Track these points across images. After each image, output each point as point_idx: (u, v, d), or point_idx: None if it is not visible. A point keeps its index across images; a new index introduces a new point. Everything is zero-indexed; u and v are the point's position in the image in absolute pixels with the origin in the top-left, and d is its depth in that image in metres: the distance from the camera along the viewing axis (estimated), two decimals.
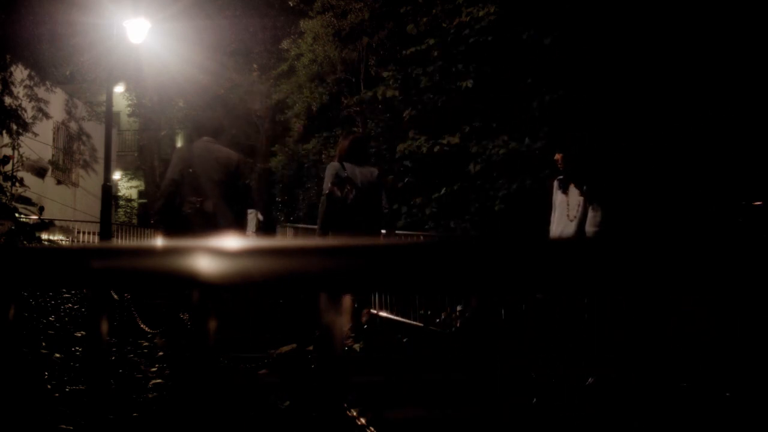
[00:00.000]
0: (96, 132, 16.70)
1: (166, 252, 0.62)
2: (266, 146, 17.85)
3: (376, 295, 6.83)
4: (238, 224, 4.35)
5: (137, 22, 11.23)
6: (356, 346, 4.51)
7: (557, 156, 4.97)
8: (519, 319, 4.71)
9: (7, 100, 12.24)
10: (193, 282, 0.59)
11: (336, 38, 13.51)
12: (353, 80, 13.88)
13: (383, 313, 6.75)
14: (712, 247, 0.46)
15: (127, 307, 4.78)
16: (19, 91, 13.17)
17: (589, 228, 4.68)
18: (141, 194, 24.28)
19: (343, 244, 0.55)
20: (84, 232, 15.55)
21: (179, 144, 21.04)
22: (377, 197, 4.47)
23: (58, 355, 2.98)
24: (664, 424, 2.92)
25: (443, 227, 9.20)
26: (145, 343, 4.14)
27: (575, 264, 0.49)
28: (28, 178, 4.14)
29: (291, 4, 15.14)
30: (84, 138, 17.57)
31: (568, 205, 4.78)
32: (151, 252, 0.63)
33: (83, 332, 3.58)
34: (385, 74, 11.38)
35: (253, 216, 12.80)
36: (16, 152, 10.86)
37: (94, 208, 15.11)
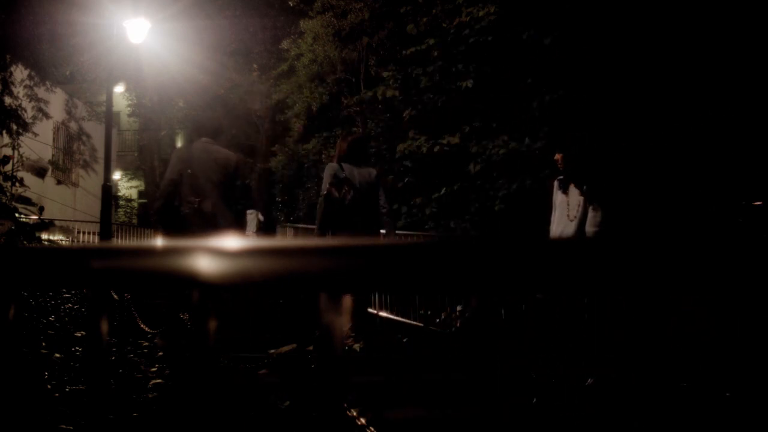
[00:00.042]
0: (96, 132, 16.70)
1: (166, 252, 0.62)
2: (266, 146, 17.85)
3: (376, 295, 6.84)
4: (237, 224, 4.37)
5: (137, 22, 11.23)
6: (356, 346, 4.50)
7: (557, 156, 4.97)
8: (519, 319, 4.71)
9: (7, 100, 12.24)
10: (193, 282, 0.59)
11: (336, 38, 13.51)
12: (353, 80, 13.88)
13: (383, 313, 6.75)
14: (712, 247, 0.46)
15: (127, 307, 4.78)
16: (19, 91, 13.17)
17: (589, 228, 4.68)
18: (141, 194, 24.28)
19: (343, 244, 0.55)
20: (84, 232, 15.55)
21: (179, 144, 21.06)
22: (375, 198, 4.48)
23: (58, 355, 2.98)
24: (664, 424, 2.92)
25: (443, 227, 9.20)
26: (145, 343, 4.14)
27: (575, 264, 0.49)
28: (28, 178, 4.14)
29: (291, 4, 15.15)
30: (84, 138, 17.57)
31: (568, 205, 4.78)
32: (151, 252, 0.63)
33: (83, 332, 3.58)
34: (385, 74, 11.38)
35: (253, 216, 12.82)
36: (16, 152, 10.86)
37: (94, 208, 15.11)
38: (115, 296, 4.68)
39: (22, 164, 4.82)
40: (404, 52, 10.39)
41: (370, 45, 13.05)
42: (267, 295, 5.98)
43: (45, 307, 4.09)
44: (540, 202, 5.99)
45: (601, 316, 4.36)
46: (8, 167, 3.79)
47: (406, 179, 10.13)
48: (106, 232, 10.90)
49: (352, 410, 2.74)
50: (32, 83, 13.75)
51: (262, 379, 3.60)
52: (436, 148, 9.19)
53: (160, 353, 3.90)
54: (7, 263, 0.69)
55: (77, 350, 3.23)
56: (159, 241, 0.64)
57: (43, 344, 3.11)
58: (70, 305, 4.55)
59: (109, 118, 11.20)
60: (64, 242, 9.96)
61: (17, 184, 3.80)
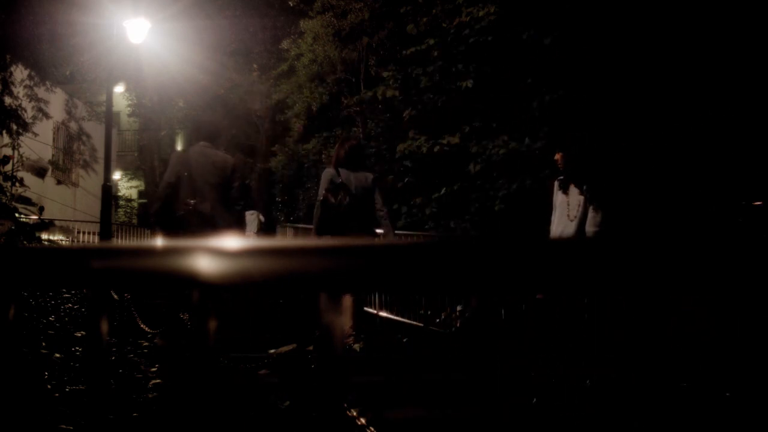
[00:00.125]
0: (96, 132, 16.70)
1: (166, 252, 0.62)
2: (266, 146, 17.85)
3: (376, 295, 6.84)
4: (235, 225, 4.42)
5: (137, 22, 11.23)
6: (356, 346, 4.51)
7: (557, 156, 4.97)
8: (519, 319, 4.71)
9: (7, 100, 12.24)
10: (193, 282, 0.59)
11: (336, 38, 13.51)
12: (353, 80, 13.88)
13: (383, 313, 6.76)
14: (712, 248, 0.46)
15: (127, 307, 4.78)
16: (19, 91, 13.16)
17: (590, 228, 4.68)
18: (141, 194, 24.27)
19: (343, 244, 0.55)
20: (84, 232, 15.55)
21: (179, 144, 21.08)
22: (371, 202, 4.54)
23: (58, 355, 2.98)
24: (664, 424, 2.92)
25: (443, 227, 9.20)
26: (145, 343, 4.14)
27: (575, 264, 0.49)
28: (28, 178, 4.14)
29: (291, 4, 15.15)
30: (84, 138, 17.57)
31: (568, 205, 4.78)
32: (151, 252, 0.63)
33: (83, 332, 3.58)
34: (385, 74, 11.38)
35: (254, 217, 12.84)
36: (16, 152, 10.86)
37: (94, 208, 15.11)
38: (115, 296, 4.68)
39: (22, 164, 4.82)
40: (404, 52, 10.39)
41: (370, 45, 13.05)
42: (267, 295, 5.98)
43: (45, 307, 4.09)
44: (540, 202, 5.99)
45: (601, 316, 4.36)
46: (8, 167, 3.79)
47: (406, 179, 10.13)
48: (106, 232, 10.91)
49: (352, 410, 2.74)
50: (32, 83, 13.75)
51: (262, 379, 3.60)
52: (436, 148, 9.19)
53: (160, 353, 3.90)
54: (7, 263, 0.69)
55: (77, 350, 3.23)
56: (159, 242, 0.64)
57: (43, 344, 3.11)
58: (70, 305, 4.54)
59: (109, 118, 11.20)
60: (64, 242, 9.96)
61: (17, 184, 3.81)
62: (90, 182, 17.67)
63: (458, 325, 5.63)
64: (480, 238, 0.51)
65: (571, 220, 4.73)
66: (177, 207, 4.33)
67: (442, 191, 9.10)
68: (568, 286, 0.50)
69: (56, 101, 15.76)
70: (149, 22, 11.43)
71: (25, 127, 12.73)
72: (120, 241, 13.40)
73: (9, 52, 11.68)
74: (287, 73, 14.99)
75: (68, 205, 17.00)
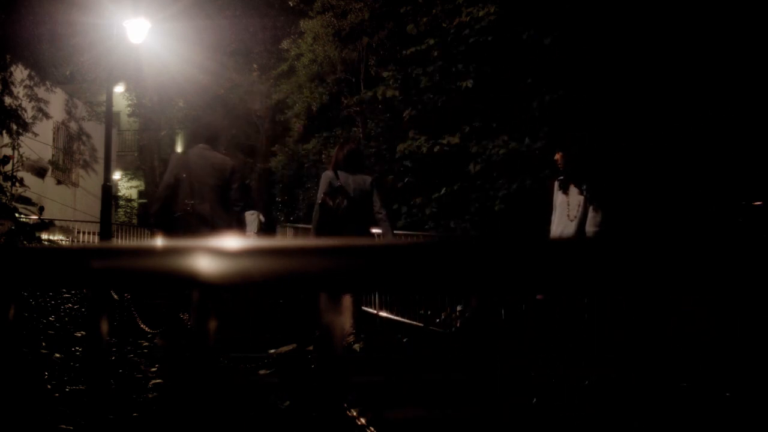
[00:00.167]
0: (96, 132, 16.70)
1: (166, 252, 0.62)
2: (266, 146, 17.84)
3: (376, 295, 6.84)
4: (234, 226, 4.45)
5: (137, 22, 11.23)
6: (356, 346, 4.52)
7: (557, 156, 4.97)
8: (519, 319, 4.71)
9: (7, 100, 12.23)
10: (193, 282, 0.59)
11: (336, 38, 13.51)
12: (353, 80, 13.87)
13: (383, 313, 6.76)
14: (712, 248, 0.46)
15: (127, 307, 4.79)
16: (19, 91, 13.16)
17: (590, 228, 4.68)
18: (141, 194, 24.27)
19: (343, 244, 0.55)
20: (84, 232, 15.54)
21: (179, 144, 21.07)
22: (369, 205, 4.59)
23: (58, 355, 2.98)
24: (664, 424, 2.92)
25: (443, 227, 9.20)
26: (145, 343, 4.14)
27: (575, 264, 0.49)
28: (28, 178, 4.14)
29: (291, 4, 15.15)
30: (84, 138, 17.56)
31: (568, 205, 4.78)
32: (151, 252, 0.63)
33: (83, 332, 3.58)
34: (385, 74, 11.38)
35: (254, 217, 12.83)
36: (16, 152, 10.85)
37: (94, 208, 15.11)
38: (115, 296, 4.69)
39: (22, 164, 4.82)
40: (404, 52, 10.38)
41: (370, 45, 13.05)
42: (267, 295, 5.98)
43: (45, 307, 4.09)
44: (540, 202, 5.99)
45: (601, 316, 4.36)
46: (8, 167, 3.79)
47: (406, 179, 10.13)
48: (106, 232, 10.91)
49: (352, 410, 2.74)
50: (32, 83, 13.74)
51: (262, 379, 3.60)
52: (436, 148, 9.19)
53: (160, 353, 3.91)
54: (7, 263, 0.69)
55: (77, 350, 3.23)
56: (158, 242, 0.64)
57: (43, 344, 3.11)
58: (70, 305, 4.55)
59: (109, 118, 11.20)
60: (64, 242, 9.96)
61: (17, 184, 3.81)
62: (90, 182, 17.67)
63: (458, 325, 5.63)
64: (480, 238, 0.51)
65: (571, 220, 4.73)
66: (176, 208, 4.36)
67: (442, 191, 9.10)
68: (568, 286, 0.50)
69: (56, 101, 15.76)
70: (149, 22, 11.43)
71: (25, 127, 12.72)
72: (120, 241, 13.40)
73: (9, 52, 11.68)
74: (287, 73, 14.99)
75: (68, 205, 17.00)
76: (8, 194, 3.69)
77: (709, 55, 6.53)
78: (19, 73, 13.10)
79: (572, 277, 0.49)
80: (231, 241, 0.58)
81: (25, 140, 12.55)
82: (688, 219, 6.14)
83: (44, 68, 13.61)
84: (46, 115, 14.43)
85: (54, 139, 16.92)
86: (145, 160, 21.44)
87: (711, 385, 3.18)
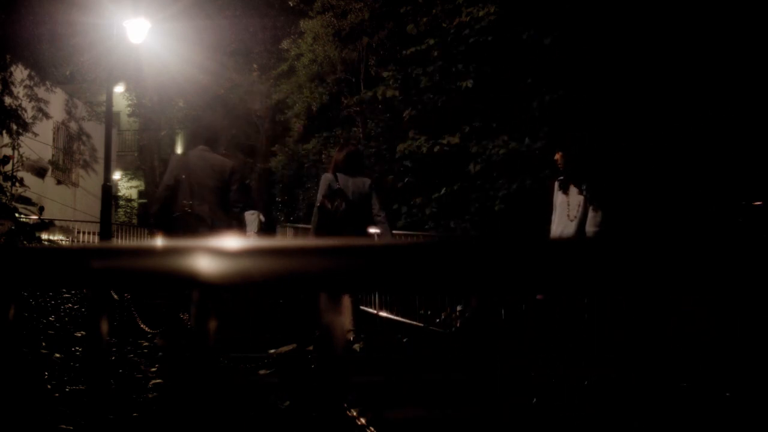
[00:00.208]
0: (96, 132, 16.69)
1: (166, 252, 0.62)
2: (266, 146, 17.84)
3: (376, 295, 6.84)
4: (233, 227, 4.48)
5: (137, 22, 11.22)
6: (356, 346, 4.52)
7: (557, 156, 4.97)
8: (519, 319, 4.71)
9: (7, 100, 12.23)
10: (193, 282, 0.59)
11: (336, 38, 13.51)
12: (353, 80, 13.87)
13: (383, 313, 6.76)
14: (712, 248, 0.46)
15: (127, 307, 4.79)
16: (19, 91, 13.15)
17: (590, 228, 4.68)
18: (141, 194, 24.27)
19: (343, 244, 0.55)
20: (84, 232, 15.54)
21: (179, 144, 21.07)
22: (368, 208, 4.62)
23: (58, 355, 2.98)
24: (664, 424, 2.92)
25: (443, 227, 9.20)
26: (145, 343, 4.14)
27: (575, 264, 0.49)
28: (28, 178, 4.14)
29: (291, 4, 15.15)
30: (84, 138, 17.56)
31: (568, 205, 4.78)
32: (151, 252, 0.63)
33: (83, 332, 3.58)
34: (385, 74, 11.38)
35: (255, 217, 12.83)
36: (16, 152, 10.85)
37: (94, 208, 15.11)
38: (115, 296, 4.69)
39: (22, 164, 4.82)
40: (404, 52, 10.38)
41: (370, 45, 13.05)
42: (267, 295, 5.99)
43: (45, 307, 4.09)
44: (540, 202, 5.99)
45: (601, 316, 4.36)
46: (8, 167, 3.79)
47: (406, 179, 10.12)
48: (106, 232, 10.90)
49: (352, 410, 2.74)
50: (32, 83, 13.74)
51: (262, 379, 3.60)
52: (436, 148, 9.19)
53: (160, 353, 3.91)
54: (7, 263, 0.68)
55: (77, 350, 3.22)
56: (159, 242, 0.64)
57: (43, 344, 3.11)
58: (70, 305, 4.55)
59: (109, 118, 11.20)
60: (64, 242, 9.95)
61: (17, 184, 3.81)
62: (90, 182, 17.66)
63: (458, 325, 5.63)
64: (480, 238, 0.51)
65: (571, 220, 4.73)
66: (176, 209, 4.39)
67: (442, 191, 9.10)
68: (568, 286, 0.50)
69: (56, 101, 15.75)
70: (149, 22, 11.43)
71: (25, 127, 12.72)
72: (120, 241, 13.40)
73: (9, 52, 11.68)
74: (287, 73, 14.99)
75: (68, 205, 17.00)
76: (8, 194, 3.69)
77: (708, 55, 6.53)
78: (19, 73, 13.10)
79: (572, 277, 0.49)
80: (231, 241, 0.58)
81: (25, 140, 12.55)
82: (688, 219, 6.14)
83: (44, 68, 13.61)
84: (46, 115, 14.43)
85: (54, 139, 16.92)
86: (145, 160, 21.44)
87: (711, 385, 3.18)
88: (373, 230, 4.82)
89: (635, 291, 0.49)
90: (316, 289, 0.58)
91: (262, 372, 3.75)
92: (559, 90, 7.88)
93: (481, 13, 8.73)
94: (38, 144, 13.72)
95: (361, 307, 6.15)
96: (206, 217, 4.35)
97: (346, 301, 4.19)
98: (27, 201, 3.68)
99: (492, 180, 8.61)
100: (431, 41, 9.61)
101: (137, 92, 19.57)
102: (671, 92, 6.82)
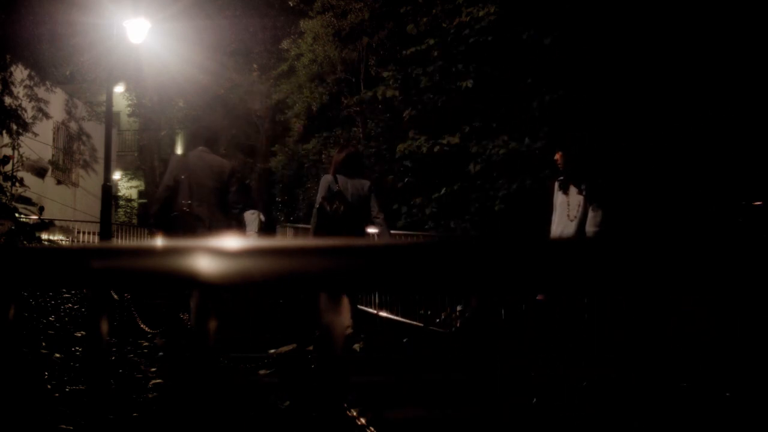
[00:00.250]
0: (96, 132, 16.69)
1: (166, 252, 0.62)
2: (266, 146, 17.84)
3: (376, 295, 6.84)
4: (232, 228, 4.50)
5: (137, 22, 11.22)
6: (356, 346, 4.52)
7: (557, 156, 4.97)
8: (519, 319, 4.71)
9: (7, 100, 12.22)
10: (193, 282, 0.59)
11: (336, 38, 13.51)
12: (353, 80, 13.87)
13: (383, 313, 6.76)
14: (712, 248, 0.46)
15: (127, 307, 4.79)
16: (19, 91, 13.15)
17: (590, 228, 4.68)
18: (141, 194, 24.26)
19: (343, 244, 0.55)
20: (84, 232, 15.54)
21: (179, 144, 21.08)
22: (367, 210, 4.63)
23: (58, 355, 2.98)
24: (664, 424, 2.92)
25: (443, 227, 9.20)
26: (145, 343, 4.14)
27: (575, 264, 0.49)
28: (28, 178, 4.14)
29: (291, 4, 15.15)
30: (84, 138, 17.56)
31: (568, 205, 4.78)
32: (151, 252, 0.63)
33: (83, 332, 3.58)
34: (385, 74, 11.38)
35: (255, 217, 12.82)
36: (16, 152, 10.85)
37: (94, 208, 15.11)
38: (115, 296, 4.69)
39: (22, 164, 4.82)
40: (404, 52, 10.38)
41: (370, 45, 13.05)
42: (267, 295, 5.99)
43: (45, 307, 4.09)
44: (540, 202, 5.99)
45: (601, 316, 4.36)
46: (8, 167, 3.79)
47: (406, 179, 10.12)
48: (106, 232, 10.90)
49: (352, 410, 2.74)
50: (32, 83, 13.74)
51: (262, 379, 3.60)
52: (436, 148, 9.19)
53: (160, 353, 3.91)
54: (7, 263, 0.68)
55: (77, 350, 3.22)
56: (159, 242, 0.64)
57: (43, 344, 3.11)
58: (70, 305, 4.55)
59: (109, 118, 11.20)
60: (64, 242, 9.95)
61: (17, 184, 3.81)
62: (90, 182, 17.66)
63: (458, 325, 5.63)
64: (480, 238, 0.51)
65: (571, 220, 4.73)
66: (175, 209, 4.41)
67: (442, 191, 9.10)
68: (568, 286, 0.50)
69: (56, 101, 15.75)
70: (149, 22, 11.42)
71: (25, 127, 12.71)
72: (120, 241, 13.40)
73: (9, 52, 11.68)
74: (287, 73, 14.99)
75: (68, 205, 17.00)
76: (8, 194, 3.69)
77: (708, 56, 6.53)
78: (19, 73, 13.10)
79: (572, 277, 0.49)
80: (231, 241, 0.58)
81: (25, 140, 12.54)
82: (688, 219, 6.14)
83: (44, 68, 13.61)
84: (46, 115, 14.43)
85: (54, 139, 16.92)
86: (145, 160, 21.43)
87: (711, 385, 3.18)
88: (372, 230, 4.82)
89: (635, 291, 0.49)
90: (316, 289, 0.58)
91: (262, 372, 3.75)
92: (559, 90, 7.88)
93: (481, 13, 8.73)
94: (38, 144, 13.72)
95: (362, 307, 6.16)
96: (204, 217, 4.37)
97: (344, 300, 4.19)
98: (27, 201, 3.68)
99: (492, 180, 8.61)
100: (431, 41, 9.60)
101: (137, 92, 19.57)
102: (671, 92, 6.82)
